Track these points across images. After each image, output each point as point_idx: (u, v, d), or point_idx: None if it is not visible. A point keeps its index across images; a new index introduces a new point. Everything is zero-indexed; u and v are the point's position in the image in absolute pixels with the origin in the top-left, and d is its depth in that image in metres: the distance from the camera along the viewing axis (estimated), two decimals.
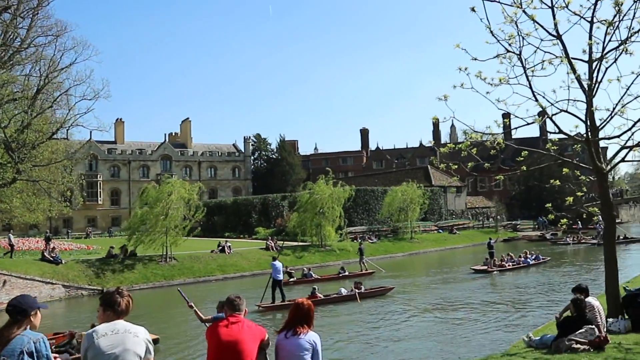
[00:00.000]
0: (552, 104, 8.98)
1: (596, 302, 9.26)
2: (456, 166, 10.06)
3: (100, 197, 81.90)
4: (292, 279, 29.82)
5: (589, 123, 9.04)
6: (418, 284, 29.64)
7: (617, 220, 54.44)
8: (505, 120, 9.55)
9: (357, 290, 24.39)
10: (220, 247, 37.82)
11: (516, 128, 9.21)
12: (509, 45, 8.73)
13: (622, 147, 9.16)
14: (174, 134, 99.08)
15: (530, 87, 8.89)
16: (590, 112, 9.03)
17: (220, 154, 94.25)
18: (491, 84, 9.15)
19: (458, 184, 74.87)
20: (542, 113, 9.42)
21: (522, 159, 10.30)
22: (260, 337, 5.46)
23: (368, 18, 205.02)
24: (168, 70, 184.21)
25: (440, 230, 59.16)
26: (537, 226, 69.85)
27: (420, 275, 34.15)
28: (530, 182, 78.19)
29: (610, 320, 9.43)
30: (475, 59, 8.67)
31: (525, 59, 8.81)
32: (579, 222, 62.01)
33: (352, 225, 52.56)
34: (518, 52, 8.80)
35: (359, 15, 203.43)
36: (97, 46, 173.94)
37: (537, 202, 75.03)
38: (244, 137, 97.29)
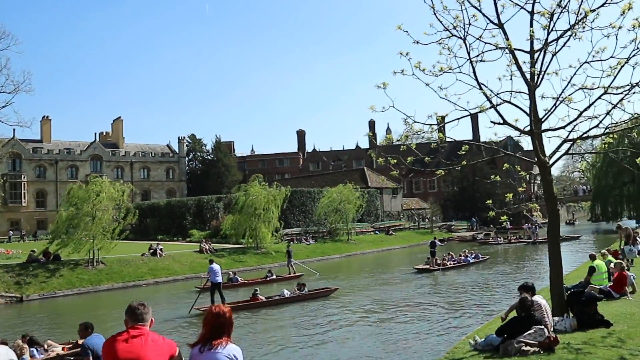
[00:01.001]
0: (495, 95, 8.62)
1: (543, 300, 8.93)
2: (395, 160, 9.51)
3: (24, 198, 78.00)
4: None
5: (532, 115, 8.70)
6: (361, 285, 29.15)
7: (543, 221, 56.30)
8: (439, 117, 9.09)
9: (298, 292, 24.13)
10: (152, 250, 36.39)
11: (459, 119, 8.62)
12: (454, 28, 8.31)
13: (565, 140, 8.90)
14: (105, 134, 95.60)
15: (474, 75, 8.50)
16: (533, 104, 8.71)
17: (153, 155, 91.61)
18: (432, 73, 8.70)
19: (394, 186, 75.54)
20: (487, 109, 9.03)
21: (463, 152, 9.80)
22: (169, 352, 4.57)
23: (305, 20, 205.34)
24: (100, 68, 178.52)
25: (377, 232, 59.36)
26: (470, 227, 71.33)
27: (360, 276, 33.75)
28: (464, 183, 79.98)
29: (556, 319, 9.14)
30: (418, 42, 8.19)
31: (469, 44, 8.43)
32: (508, 222, 63.62)
33: (288, 227, 51.96)
34: (462, 37, 8.38)
35: (296, 17, 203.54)
36: (22, 38, 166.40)
37: (470, 204, 76.74)
38: (179, 138, 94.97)
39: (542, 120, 8.81)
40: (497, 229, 61.73)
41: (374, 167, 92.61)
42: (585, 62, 8.34)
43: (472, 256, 36.69)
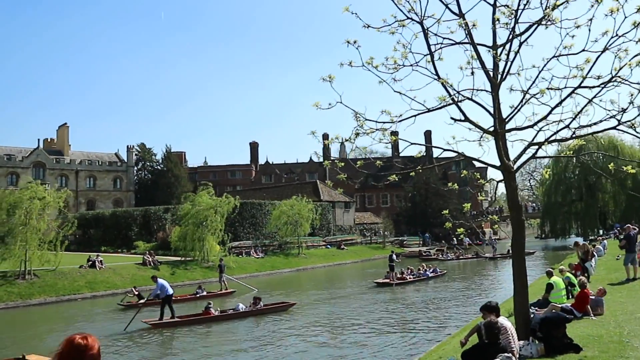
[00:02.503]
0: (456, 91, 7.72)
1: (508, 322, 7.86)
2: (344, 176, 8.51)
3: None
4: (141, 301, 26.08)
5: (496, 114, 7.83)
6: (319, 300, 28.20)
7: (495, 237, 56.42)
8: (394, 137, 8.17)
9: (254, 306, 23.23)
10: (90, 262, 34.44)
11: (415, 116, 7.62)
12: (409, 11, 7.39)
13: (531, 143, 8.06)
14: (49, 140, 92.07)
15: (433, 64, 7.56)
16: (497, 102, 7.85)
17: (100, 163, 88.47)
18: (385, 67, 7.75)
19: (347, 200, 74.85)
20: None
21: (418, 156, 8.81)
22: None
23: (258, 34, 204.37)
24: (46, 72, 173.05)
25: (329, 246, 58.37)
26: (422, 242, 71.24)
27: (317, 291, 32.60)
28: (417, 199, 79.99)
29: (521, 343, 8.05)
30: (368, 27, 7.20)
31: (427, 29, 7.48)
32: (455, 238, 63.92)
33: (237, 239, 50.51)
34: (420, 20, 7.45)
35: (249, 31, 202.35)
36: None
37: (422, 219, 76.73)
38: (127, 147, 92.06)
39: (507, 120, 7.96)
40: (449, 244, 61.58)
41: (326, 180, 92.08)
42: (554, 56, 7.54)
43: (431, 270, 36.91)
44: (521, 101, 7.80)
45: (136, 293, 27.52)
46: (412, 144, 8.53)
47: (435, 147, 8.47)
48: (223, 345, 17.87)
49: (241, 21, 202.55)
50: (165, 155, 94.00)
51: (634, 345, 8.73)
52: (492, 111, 7.93)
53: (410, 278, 34.39)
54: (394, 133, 8.77)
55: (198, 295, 28.51)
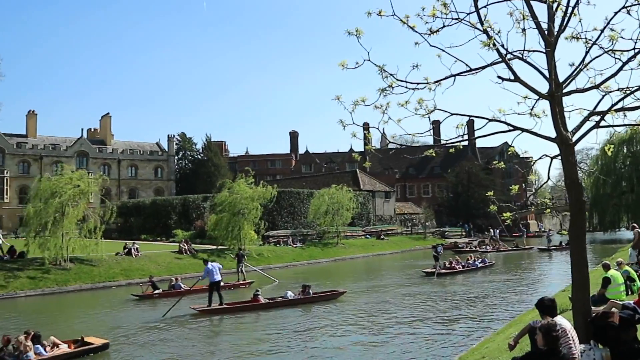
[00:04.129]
0: (506, 50, 6.59)
1: (567, 323, 6.56)
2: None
3: (6, 194, 75.55)
4: (157, 291, 25.87)
5: (552, 75, 6.65)
6: (366, 289, 27.69)
7: (540, 229, 54.54)
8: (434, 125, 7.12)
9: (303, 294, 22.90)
10: (126, 250, 34.23)
11: (455, 75, 6.49)
12: None
13: (593, 112, 6.89)
14: (93, 130, 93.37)
15: (478, 14, 6.44)
16: (552, 63, 6.68)
17: (141, 153, 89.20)
18: (421, 19, 6.68)
19: (387, 189, 73.55)
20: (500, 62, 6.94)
21: (460, 126, 7.60)
22: None
23: (298, 25, 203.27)
24: (92, 66, 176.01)
25: (368, 236, 57.21)
26: (465, 233, 69.50)
27: (353, 281, 31.73)
28: (459, 189, 78.05)
29: (581, 347, 6.72)
30: None
31: None
32: (492, 230, 62.23)
33: (275, 228, 49.90)
34: None
35: (291, 21, 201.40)
36: (16, 33, 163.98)
37: (465, 210, 74.81)
38: (168, 136, 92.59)
39: (565, 84, 6.80)
40: (491, 236, 59.59)
41: (367, 170, 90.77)
42: (623, 7, 6.34)
43: (480, 261, 36.83)
44: (585, 57, 6.61)
45: (150, 283, 26.64)
46: (452, 114, 7.39)
47: (479, 117, 7.32)
48: (271, 332, 17.52)
49: (283, 11, 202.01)
50: (206, 144, 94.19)
51: None
52: (546, 74, 6.76)
53: (459, 268, 34.13)
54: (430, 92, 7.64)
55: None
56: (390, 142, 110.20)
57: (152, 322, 19.66)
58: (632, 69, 6.78)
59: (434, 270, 32.29)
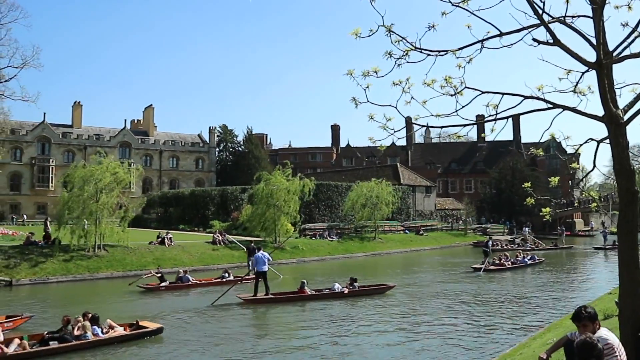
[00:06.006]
0: (545, 12, 5.61)
1: (613, 337, 5.45)
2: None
3: (52, 182, 77.11)
4: (163, 284, 25.05)
5: (599, 39, 5.64)
6: (417, 284, 27.39)
7: (587, 228, 52.54)
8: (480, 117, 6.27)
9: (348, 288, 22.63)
10: (160, 239, 34.06)
11: (482, 40, 5.59)
12: None
13: None
14: (136, 121, 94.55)
15: None
16: (600, 28, 5.67)
17: (183, 144, 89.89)
18: None
19: (428, 184, 72.06)
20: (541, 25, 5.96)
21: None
22: None
23: (343, 20, 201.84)
24: (137, 57, 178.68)
25: (407, 231, 55.92)
26: (508, 230, 67.54)
27: (392, 276, 30.87)
28: (502, 185, 75.92)
29: None
30: None
31: None
32: (527, 225, 60.38)
33: (312, 221, 49.23)
34: None
35: (334, 17, 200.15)
36: (57, 22, 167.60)
37: (507, 207, 72.69)
38: (210, 128, 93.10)
39: (616, 53, 5.78)
40: (523, 235, 57.49)
41: (409, 164, 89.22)
42: None
43: (529, 258, 36.64)
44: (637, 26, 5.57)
45: (158, 275, 25.71)
46: (483, 92, 6.45)
47: (513, 94, 6.33)
48: (312, 325, 17.23)
49: (328, 7, 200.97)
50: (247, 136, 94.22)
51: None
52: (593, 41, 5.75)
53: (508, 265, 33.69)
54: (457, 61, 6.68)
55: (224, 280, 26.37)
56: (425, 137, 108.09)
57: (199, 309, 19.89)
58: None
59: (482, 266, 31.84)
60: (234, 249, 36.02)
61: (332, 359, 13.22)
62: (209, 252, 34.54)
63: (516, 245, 48.96)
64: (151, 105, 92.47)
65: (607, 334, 5.38)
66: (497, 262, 33.57)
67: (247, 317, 19.31)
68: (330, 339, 15.28)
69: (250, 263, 29.26)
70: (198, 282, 26.16)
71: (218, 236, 37.16)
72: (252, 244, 31.53)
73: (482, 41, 5.86)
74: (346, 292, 22.21)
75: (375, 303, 21.19)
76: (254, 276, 26.00)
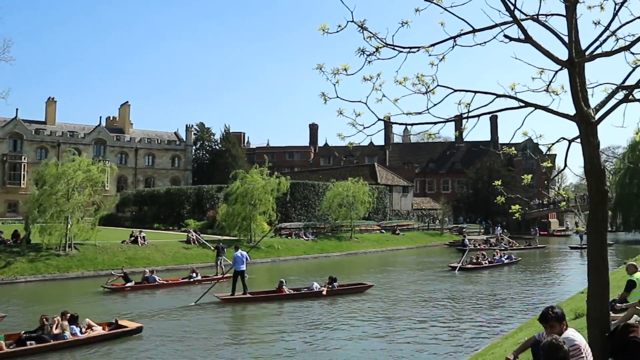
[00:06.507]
0: (517, 9, 5.50)
1: (580, 338, 5.38)
2: None
3: (23, 180, 75.70)
4: (129, 284, 24.34)
5: (572, 36, 5.55)
6: (394, 283, 27.51)
7: (562, 228, 53.28)
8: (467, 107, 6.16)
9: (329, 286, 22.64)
10: (133, 238, 33.57)
11: (455, 37, 5.46)
12: None
13: (621, 86, 5.79)
14: (111, 119, 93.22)
15: None
16: (572, 26, 5.58)
17: (159, 142, 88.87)
18: None
19: (405, 184, 72.29)
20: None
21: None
22: None
23: (321, 21, 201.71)
24: (113, 55, 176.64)
25: (383, 231, 56.01)
26: (484, 230, 68.08)
27: (367, 275, 30.82)
28: (479, 185, 76.50)
29: None
30: None
31: None
32: (498, 225, 61.07)
33: (288, 220, 49.07)
34: None
35: (312, 18, 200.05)
36: (34, 20, 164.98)
37: (484, 206, 73.23)
38: (187, 126, 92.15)
39: (589, 51, 5.70)
40: (498, 235, 58.19)
41: (386, 164, 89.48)
42: None
43: (505, 257, 37.35)
44: (612, 20, 5.49)
45: (121, 275, 25.09)
46: (455, 90, 6.33)
47: (486, 92, 6.23)
48: (289, 325, 17.25)
49: (308, 5, 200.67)
50: (224, 135, 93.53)
51: None
52: (565, 39, 5.66)
53: (485, 263, 34.25)
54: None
55: (192, 280, 26.16)
56: (400, 134, 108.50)
57: (176, 309, 19.85)
58: None
59: (459, 264, 32.41)
60: (208, 248, 35.68)
61: (307, 357, 13.13)
62: (182, 252, 34.14)
63: (489, 245, 49.25)
64: (127, 102, 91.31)
65: (574, 335, 5.31)
66: (475, 261, 34.07)
67: (225, 316, 19.18)
68: (308, 338, 15.22)
69: (218, 262, 29.04)
70: (165, 282, 25.66)
71: (192, 235, 36.74)
72: (221, 243, 31.38)
73: (454, 38, 5.73)
74: (324, 292, 22.12)
75: (353, 303, 21.18)
76: (225, 276, 25.89)
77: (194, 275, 26.70)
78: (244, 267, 21.98)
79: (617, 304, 10.89)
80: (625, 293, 11.34)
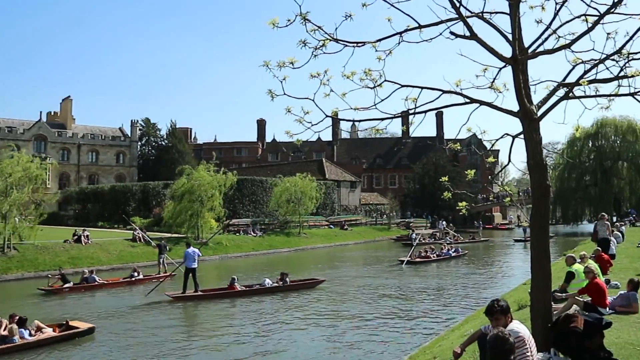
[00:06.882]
0: (463, 6, 5.58)
1: (524, 329, 5.50)
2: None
3: None
4: (67, 285, 23.44)
5: (515, 33, 5.67)
6: (346, 278, 27.63)
7: (506, 222, 54.91)
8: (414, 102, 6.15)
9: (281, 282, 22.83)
10: (76, 237, 32.61)
11: (401, 33, 5.50)
12: None
13: (562, 83, 5.96)
14: (53, 114, 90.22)
15: None
16: (516, 22, 5.70)
17: (103, 138, 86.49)
18: None
19: (353, 179, 72.80)
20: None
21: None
22: None
23: (271, 13, 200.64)
24: (51, 45, 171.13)
25: (331, 226, 56.31)
26: (430, 224, 69.18)
27: (316, 271, 30.87)
28: (425, 180, 77.74)
29: (539, 356, 5.76)
30: None
31: None
32: (442, 220, 62.40)
33: (237, 217, 48.69)
34: None
35: (261, 12, 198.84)
36: None
37: (430, 201, 74.51)
38: (132, 121, 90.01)
39: (530, 49, 5.84)
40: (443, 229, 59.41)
41: (334, 159, 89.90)
42: None
43: (453, 250, 37.95)
44: (553, 20, 5.64)
45: (58, 276, 24.26)
46: (402, 85, 6.38)
47: (432, 88, 6.30)
48: (245, 321, 17.12)
49: (255, 3, 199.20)
50: (170, 131, 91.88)
51: None
52: (509, 37, 5.78)
53: (433, 257, 34.97)
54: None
55: (133, 279, 25.49)
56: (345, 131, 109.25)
57: (126, 308, 19.47)
58: (607, 35, 5.85)
59: (407, 258, 32.94)
60: (153, 246, 35.00)
61: (261, 355, 13.04)
62: (128, 250, 33.42)
63: (434, 239, 50.17)
64: (69, 96, 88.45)
65: (519, 327, 5.45)
66: (423, 254, 34.76)
67: (176, 314, 18.95)
68: (261, 335, 15.17)
69: (161, 261, 28.52)
70: (105, 282, 24.89)
71: (138, 233, 35.97)
72: (163, 241, 30.90)
73: (400, 33, 5.77)
74: (275, 284, 22.36)
75: (305, 298, 21.24)
76: (167, 274, 25.59)
77: (136, 274, 26.03)
78: (195, 265, 21.70)
79: (557, 294, 11.24)
80: (565, 284, 11.73)
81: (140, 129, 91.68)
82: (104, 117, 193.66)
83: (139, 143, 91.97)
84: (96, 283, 24.34)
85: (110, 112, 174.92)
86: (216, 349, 13.75)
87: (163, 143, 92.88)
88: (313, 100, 6.07)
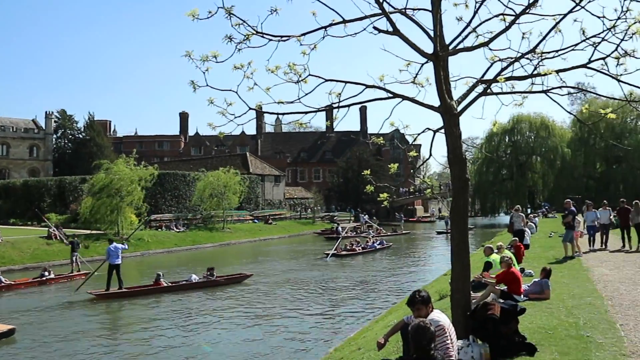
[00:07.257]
0: (386, 3, 5.67)
1: (444, 318, 5.69)
2: None
3: None
4: None
5: (437, 30, 5.83)
6: (273, 272, 27.59)
7: (427, 214, 56.31)
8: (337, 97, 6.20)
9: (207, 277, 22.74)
10: None
11: (326, 27, 5.56)
12: None
13: (481, 80, 6.17)
14: None
15: None
16: (437, 19, 5.85)
17: (14, 130, 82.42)
18: None
19: (277, 173, 72.75)
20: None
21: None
22: None
23: (193, 5, 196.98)
24: None
25: (256, 220, 56.08)
26: (354, 218, 70.03)
27: (246, 266, 30.60)
28: (349, 174, 78.69)
29: (459, 343, 5.98)
30: None
31: None
32: (364, 213, 63.72)
33: (159, 212, 47.59)
34: None
35: (185, 5, 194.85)
36: None
37: (354, 195, 75.48)
38: (46, 112, 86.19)
39: (451, 46, 6.01)
40: (365, 222, 60.48)
41: (258, 153, 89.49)
42: None
43: (378, 243, 38.65)
44: (472, 18, 5.83)
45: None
46: (326, 80, 6.41)
47: (355, 83, 6.37)
48: (172, 318, 16.93)
49: None
50: (88, 123, 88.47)
51: (597, 340, 7.01)
52: (431, 33, 5.92)
53: (358, 250, 35.47)
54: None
55: (44, 279, 24.46)
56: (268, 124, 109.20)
57: (47, 309, 18.87)
58: (523, 35, 6.10)
59: (334, 251, 33.51)
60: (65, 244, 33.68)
61: (188, 353, 12.91)
62: (43, 248, 31.96)
63: (357, 233, 50.95)
64: None
65: (439, 316, 5.65)
66: (349, 247, 35.40)
67: (100, 313, 18.46)
68: (187, 331, 14.98)
69: (74, 259, 27.47)
70: (13, 283, 23.59)
71: (53, 231, 34.46)
72: (76, 238, 29.84)
73: (325, 28, 5.80)
74: (202, 280, 22.28)
75: (232, 293, 21.17)
76: (81, 272, 24.84)
77: (47, 274, 24.84)
78: (119, 261, 21.19)
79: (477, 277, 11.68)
80: (484, 273, 12.19)
81: (55, 121, 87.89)
82: (15, 108, 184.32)
83: (55, 136, 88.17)
84: (2, 284, 22.96)
85: (22, 103, 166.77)
86: (140, 348, 13.50)
87: (80, 136, 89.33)
88: (236, 92, 6.00)
